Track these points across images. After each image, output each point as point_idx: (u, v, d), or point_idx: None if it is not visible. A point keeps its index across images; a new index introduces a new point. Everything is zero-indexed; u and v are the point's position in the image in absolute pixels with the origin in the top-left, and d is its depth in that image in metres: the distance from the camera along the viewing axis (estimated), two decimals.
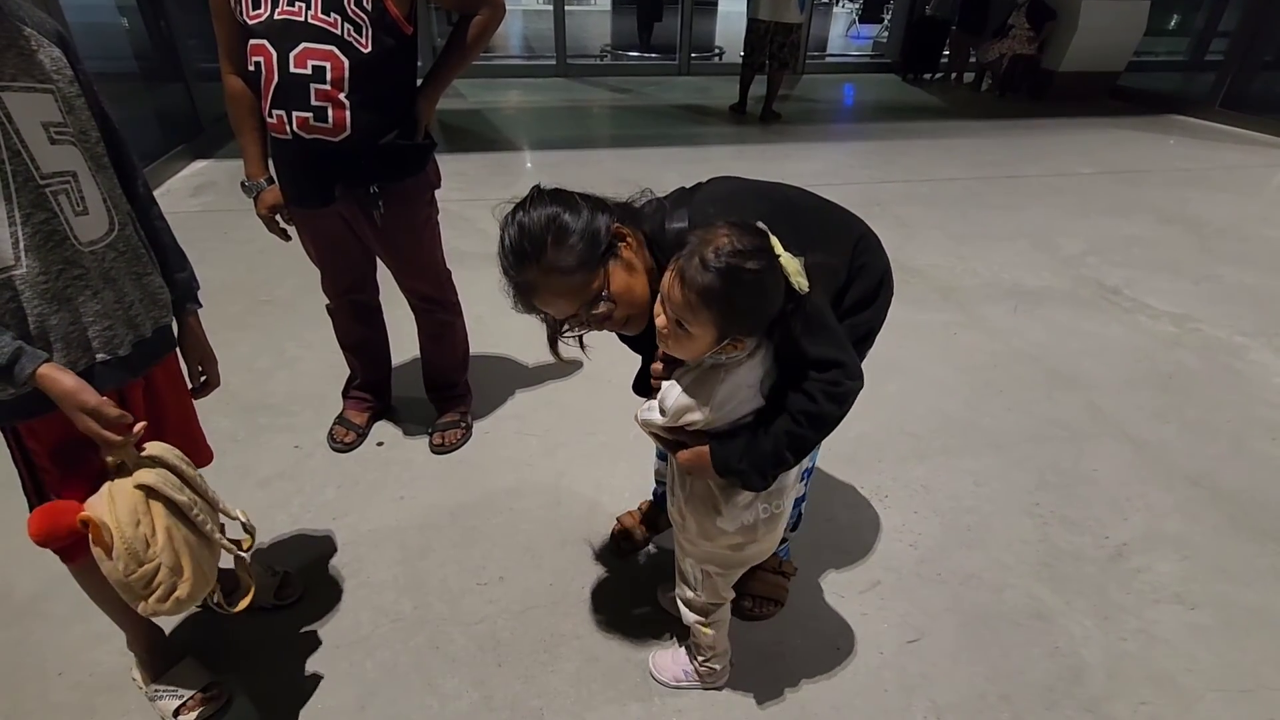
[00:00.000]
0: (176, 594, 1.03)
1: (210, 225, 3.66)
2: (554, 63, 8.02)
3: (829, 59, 9.88)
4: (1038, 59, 7.24)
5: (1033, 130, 6.11)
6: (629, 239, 1.06)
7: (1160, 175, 4.91)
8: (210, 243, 3.44)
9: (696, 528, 1.17)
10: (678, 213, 1.09)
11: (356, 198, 1.69)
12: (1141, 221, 4.01)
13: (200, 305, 1.25)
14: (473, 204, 3.99)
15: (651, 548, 1.77)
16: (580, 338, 1.19)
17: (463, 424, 2.14)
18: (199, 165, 4.63)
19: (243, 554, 1.17)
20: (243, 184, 1.77)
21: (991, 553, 1.79)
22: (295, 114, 1.51)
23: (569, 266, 1.00)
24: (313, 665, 1.47)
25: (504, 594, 1.64)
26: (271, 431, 2.16)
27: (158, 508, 1.03)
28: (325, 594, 1.63)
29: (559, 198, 1.04)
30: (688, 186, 1.19)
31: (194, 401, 1.28)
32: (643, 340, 1.18)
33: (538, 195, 1.04)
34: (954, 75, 8.31)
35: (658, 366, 1.09)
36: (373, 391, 2.17)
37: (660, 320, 0.99)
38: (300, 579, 1.64)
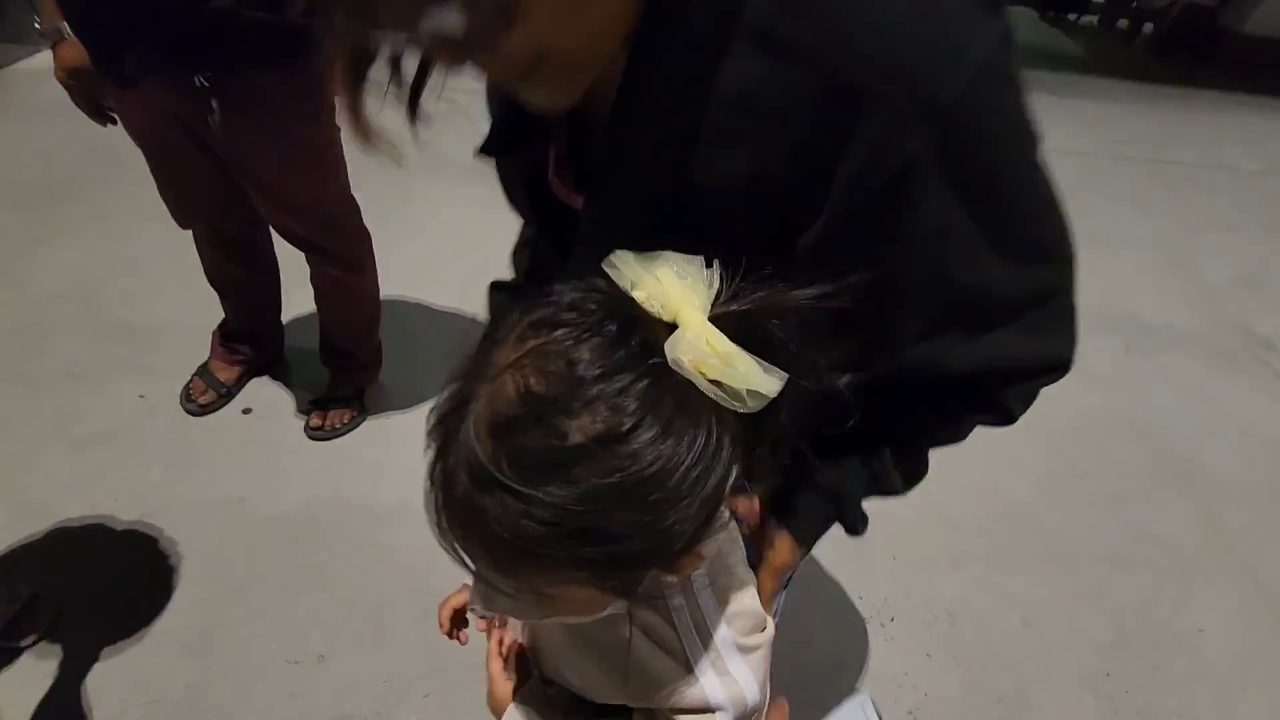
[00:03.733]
0: None
1: None
2: None
3: None
4: (1215, 11, 5.89)
5: (1191, 103, 4.96)
6: None
7: None
8: None
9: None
10: None
11: (180, 87, 1.12)
12: None
13: None
14: (471, 92, 3.31)
15: None
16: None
17: (354, 405, 1.63)
18: None
19: None
20: (36, 25, 1.21)
21: None
22: None
23: None
24: None
25: (315, 685, 1.17)
26: (120, 369, 1.70)
27: None
28: (79, 636, 1.19)
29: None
30: None
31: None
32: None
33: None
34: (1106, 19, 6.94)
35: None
36: (249, 342, 1.67)
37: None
38: (52, 606, 1.20)
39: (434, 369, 1.83)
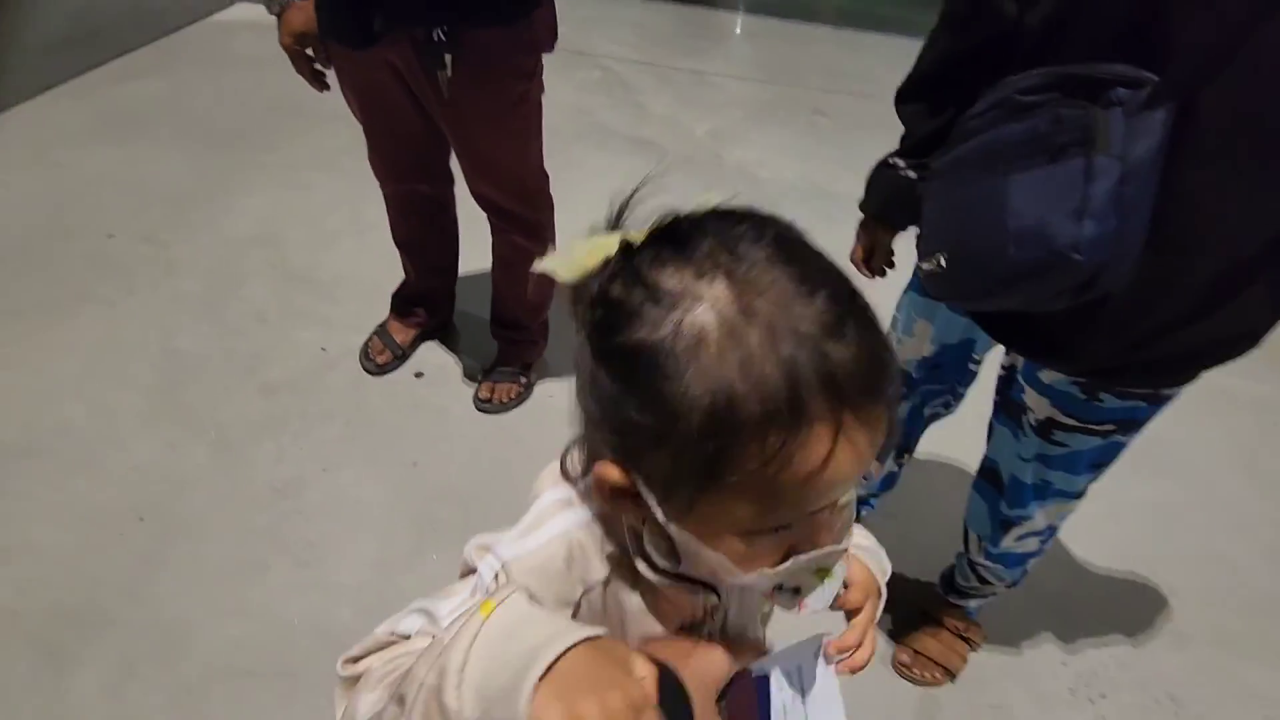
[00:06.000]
0: None
1: None
2: None
3: None
4: None
5: None
6: None
7: None
8: None
9: None
10: None
11: (414, 43, 1.10)
12: None
13: None
14: (643, 69, 3.22)
15: None
16: None
17: (521, 379, 1.60)
18: None
19: None
20: None
21: None
22: None
23: None
24: None
25: None
26: (305, 319, 1.75)
27: None
28: (264, 577, 1.23)
29: None
30: None
31: None
32: None
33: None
34: None
35: None
36: (426, 305, 1.67)
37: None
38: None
39: None
